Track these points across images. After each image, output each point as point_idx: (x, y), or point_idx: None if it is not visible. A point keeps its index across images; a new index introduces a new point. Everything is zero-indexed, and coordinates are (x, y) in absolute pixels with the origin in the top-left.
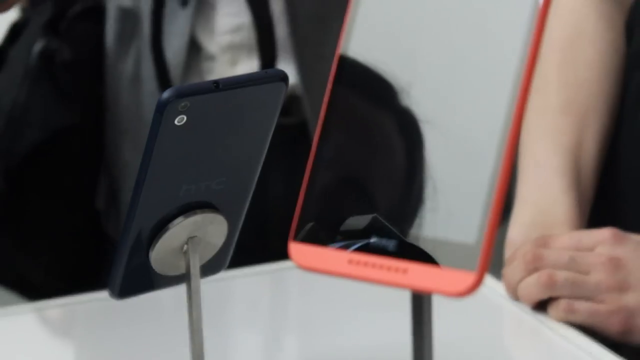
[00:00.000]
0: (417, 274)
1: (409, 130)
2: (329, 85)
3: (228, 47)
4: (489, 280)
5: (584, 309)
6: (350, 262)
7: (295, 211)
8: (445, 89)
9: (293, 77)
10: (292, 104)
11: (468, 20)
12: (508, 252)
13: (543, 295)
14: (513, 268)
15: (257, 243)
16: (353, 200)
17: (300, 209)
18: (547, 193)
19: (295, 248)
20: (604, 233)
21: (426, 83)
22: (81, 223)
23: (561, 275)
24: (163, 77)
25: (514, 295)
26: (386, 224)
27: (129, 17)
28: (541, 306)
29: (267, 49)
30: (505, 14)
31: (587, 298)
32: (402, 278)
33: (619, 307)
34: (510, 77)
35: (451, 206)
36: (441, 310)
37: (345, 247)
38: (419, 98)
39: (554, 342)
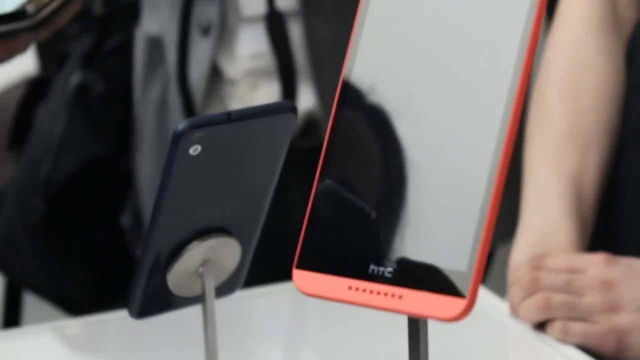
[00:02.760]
0: (412, 300)
1: (405, 159)
2: (333, 111)
3: (249, 72)
4: (494, 300)
5: (578, 331)
6: (349, 288)
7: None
8: (440, 117)
9: (312, 102)
10: (311, 127)
11: (467, 46)
12: (511, 275)
13: (541, 317)
14: (514, 291)
15: (279, 263)
16: (354, 228)
17: (303, 237)
18: (549, 219)
19: (298, 275)
20: (596, 256)
21: (423, 110)
22: (114, 243)
23: (557, 298)
24: (188, 106)
25: (517, 316)
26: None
27: (156, 44)
28: (543, 326)
29: (287, 76)
30: (502, 48)
31: (582, 319)
32: (398, 304)
33: (611, 328)
34: (501, 110)
35: (444, 236)
36: (446, 329)
37: (345, 275)
38: (415, 125)
39: None
